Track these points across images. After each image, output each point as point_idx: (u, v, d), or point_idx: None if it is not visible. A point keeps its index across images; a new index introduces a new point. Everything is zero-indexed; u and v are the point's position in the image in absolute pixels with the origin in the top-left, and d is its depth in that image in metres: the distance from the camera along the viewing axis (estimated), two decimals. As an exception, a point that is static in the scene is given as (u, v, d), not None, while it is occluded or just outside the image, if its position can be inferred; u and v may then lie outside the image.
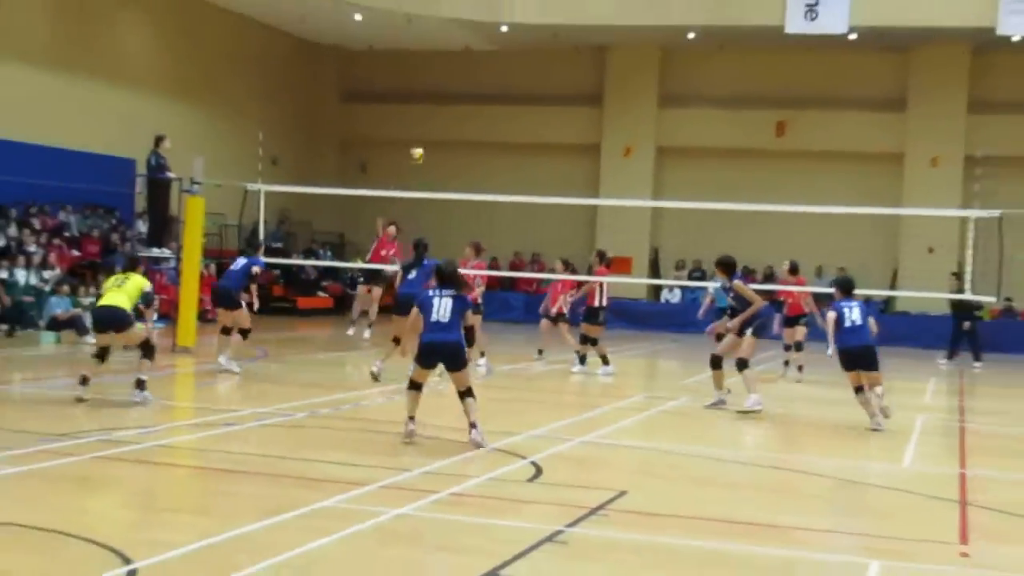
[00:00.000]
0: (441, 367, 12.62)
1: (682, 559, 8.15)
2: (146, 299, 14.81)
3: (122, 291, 14.62)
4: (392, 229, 24.20)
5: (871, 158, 36.24)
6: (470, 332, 13.10)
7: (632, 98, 37.97)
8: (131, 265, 15.31)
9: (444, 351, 12.16)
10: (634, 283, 34.99)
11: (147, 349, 14.53)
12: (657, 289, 37.06)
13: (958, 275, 26.05)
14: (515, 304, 36.08)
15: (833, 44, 33.60)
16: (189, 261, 21.61)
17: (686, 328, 32.79)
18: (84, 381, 14.35)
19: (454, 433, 12.58)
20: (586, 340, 21.05)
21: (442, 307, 12.17)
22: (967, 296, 22.32)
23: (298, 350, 24.29)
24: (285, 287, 35.07)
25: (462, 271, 15.85)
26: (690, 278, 35.86)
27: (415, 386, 12.32)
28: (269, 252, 25.35)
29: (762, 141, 36.91)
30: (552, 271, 24.55)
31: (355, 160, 40.30)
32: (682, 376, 21.76)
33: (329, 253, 37.52)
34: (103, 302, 14.76)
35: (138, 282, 14.77)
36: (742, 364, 16.07)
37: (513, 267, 37.24)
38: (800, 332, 21.36)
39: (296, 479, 10.14)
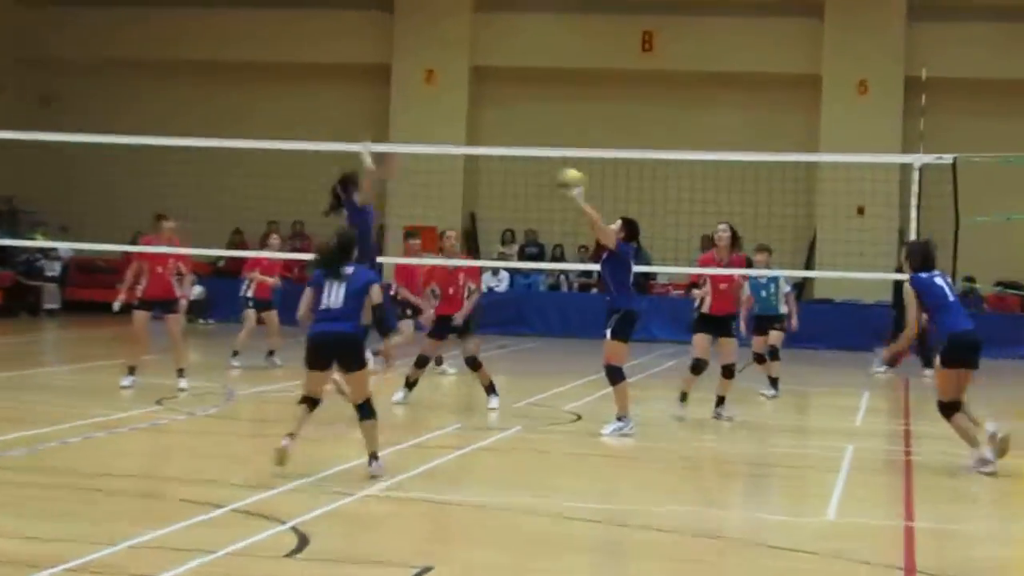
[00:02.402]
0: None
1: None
2: None
3: None
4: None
5: (775, 83, 36.82)
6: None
7: (437, -1, 38.05)
8: None
9: None
10: (442, 264, 34.93)
11: None
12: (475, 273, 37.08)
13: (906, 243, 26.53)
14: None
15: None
16: None
17: (519, 328, 32.97)
18: None
19: (182, 486, 12.36)
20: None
21: None
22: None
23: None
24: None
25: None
26: (523, 256, 36.06)
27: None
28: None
29: (622, 59, 37.28)
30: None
31: (34, 90, 39.47)
32: (514, 396, 21.74)
33: (-5, 227, 36.77)
34: None
35: None
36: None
37: (266, 244, 36.73)
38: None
39: (-60, 562, 9.83)
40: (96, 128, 28.02)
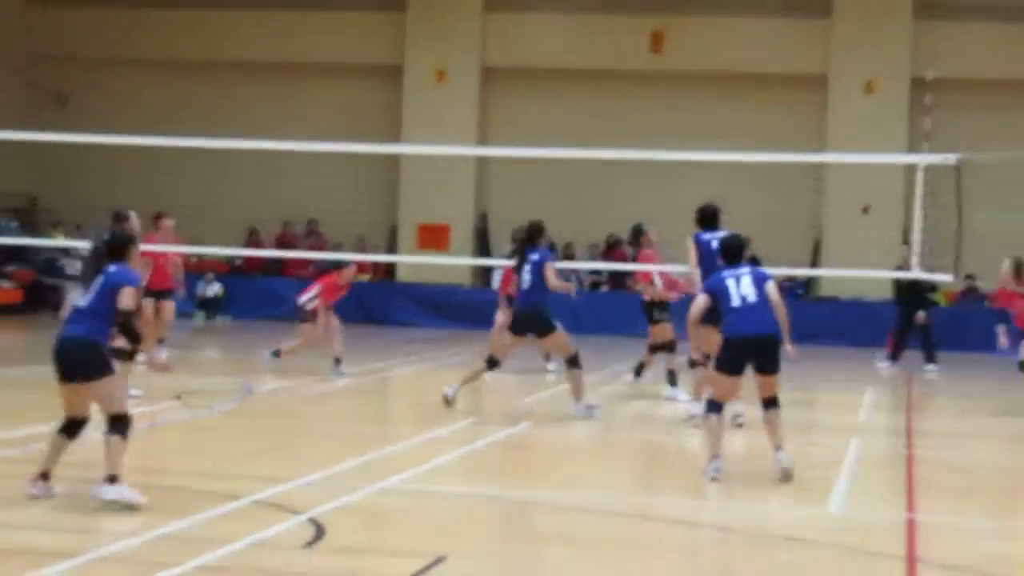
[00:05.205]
0: None
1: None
2: None
3: None
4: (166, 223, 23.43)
5: (783, 82, 36.83)
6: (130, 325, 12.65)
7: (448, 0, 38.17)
8: None
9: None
10: (453, 263, 35.17)
11: None
12: (486, 271, 37.17)
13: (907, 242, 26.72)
14: (283, 293, 35.89)
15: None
16: None
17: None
18: None
19: (203, 480, 12.50)
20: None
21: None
22: (916, 274, 22.72)
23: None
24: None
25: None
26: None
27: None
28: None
29: (631, 59, 37.30)
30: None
31: (50, 89, 39.60)
32: (522, 392, 21.91)
33: (15, 225, 36.86)
34: None
35: None
36: None
37: (281, 242, 36.99)
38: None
39: (-29, 552, 10.01)
40: (110, 125, 28.22)
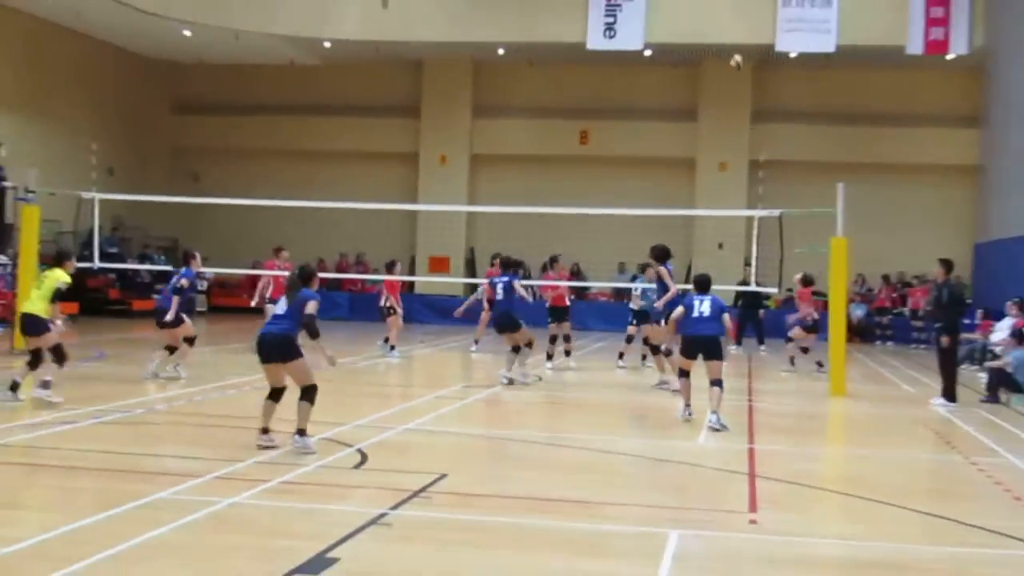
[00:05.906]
0: None
1: (497, 535, 8.17)
2: (56, 295, 13.98)
3: (39, 293, 14.04)
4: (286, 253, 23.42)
5: (666, 163, 36.93)
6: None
7: (447, 109, 37.96)
8: (56, 260, 14.51)
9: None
10: (451, 282, 35.09)
11: (57, 354, 14.00)
12: (473, 286, 37.10)
13: (749, 264, 26.81)
14: (340, 302, 35.81)
15: (630, 59, 34.19)
16: (25, 267, 20.83)
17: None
18: (14, 387, 13.90)
19: (284, 425, 12.40)
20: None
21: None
22: (754, 288, 23.02)
23: (134, 350, 23.67)
24: (121, 290, 34.21)
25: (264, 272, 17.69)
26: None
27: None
28: (104, 257, 24.65)
29: (567, 148, 37.33)
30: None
31: (187, 169, 39.54)
32: (497, 367, 21.83)
33: (163, 257, 36.66)
34: (22, 308, 14.46)
35: (54, 277, 14.03)
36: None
37: (339, 268, 36.85)
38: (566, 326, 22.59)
39: (133, 473, 9.88)
40: (227, 194, 28.15)
